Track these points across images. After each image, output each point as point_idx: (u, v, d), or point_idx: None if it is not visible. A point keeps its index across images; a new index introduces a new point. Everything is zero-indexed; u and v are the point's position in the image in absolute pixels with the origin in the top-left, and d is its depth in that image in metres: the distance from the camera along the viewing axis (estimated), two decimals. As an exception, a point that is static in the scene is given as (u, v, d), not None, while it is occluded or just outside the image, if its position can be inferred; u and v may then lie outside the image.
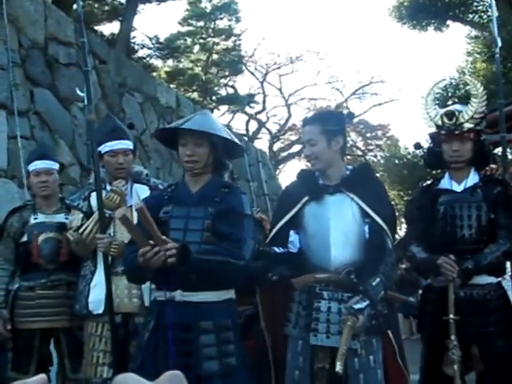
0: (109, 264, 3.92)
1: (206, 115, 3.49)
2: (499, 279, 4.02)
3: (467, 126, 3.94)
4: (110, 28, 38.13)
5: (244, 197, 3.40)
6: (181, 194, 3.36)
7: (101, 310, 3.93)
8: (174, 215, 3.27)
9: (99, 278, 3.96)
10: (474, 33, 19.27)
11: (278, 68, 31.86)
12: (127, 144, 4.21)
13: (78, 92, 3.87)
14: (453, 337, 3.74)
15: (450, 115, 3.97)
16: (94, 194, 4.10)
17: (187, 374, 3.01)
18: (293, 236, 3.59)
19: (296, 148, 31.41)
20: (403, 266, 9.69)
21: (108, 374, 3.89)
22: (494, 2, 5.19)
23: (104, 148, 4.12)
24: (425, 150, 4.35)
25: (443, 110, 4.04)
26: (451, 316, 3.76)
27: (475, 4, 19.79)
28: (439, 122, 4.01)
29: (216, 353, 3.15)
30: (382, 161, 29.33)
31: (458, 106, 4.05)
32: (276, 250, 3.54)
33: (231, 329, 3.24)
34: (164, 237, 3.03)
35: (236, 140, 3.45)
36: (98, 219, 3.98)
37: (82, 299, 4.02)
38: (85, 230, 4.01)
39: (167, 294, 3.18)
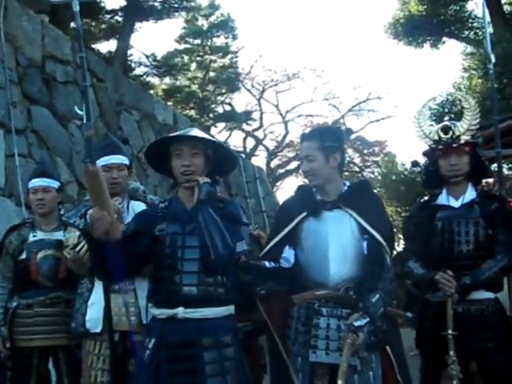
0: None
1: (197, 130, 3.50)
2: (497, 295, 4.02)
3: (464, 138, 3.99)
4: (107, 46, 38.27)
5: (240, 208, 3.41)
6: (175, 211, 3.32)
7: (99, 329, 3.90)
8: (170, 232, 3.25)
9: (97, 296, 3.94)
10: (469, 49, 19.36)
11: (275, 85, 31.95)
12: (121, 159, 4.21)
13: (77, 110, 3.87)
14: (452, 352, 3.74)
15: (446, 129, 4.02)
16: (90, 212, 4.10)
17: None
18: (287, 252, 3.58)
19: (293, 165, 31.45)
20: (409, 281, 9.62)
21: None
22: (487, 19, 5.23)
23: (99, 163, 4.13)
24: (422, 168, 4.38)
25: (439, 126, 4.08)
26: (450, 331, 3.76)
27: (470, 21, 19.93)
28: (436, 137, 4.05)
29: (219, 369, 3.13)
30: (379, 177, 29.34)
31: (453, 122, 4.10)
32: (266, 264, 3.53)
33: (231, 345, 3.21)
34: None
35: (229, 149, 3.46)
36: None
37: (79, 317, 4.00)
38: (82, 248, 4.00)
39: (169, 311, 3.17)
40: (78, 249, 4.00)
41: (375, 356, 3.41)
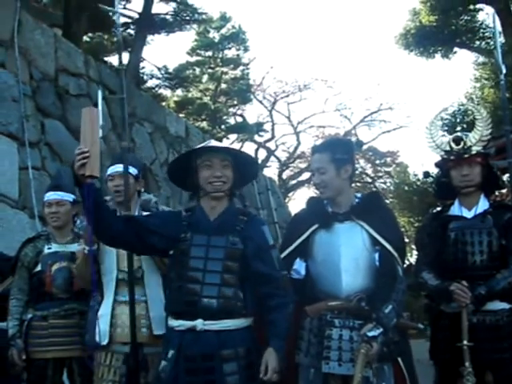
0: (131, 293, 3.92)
1: (216, 142, 3.56)
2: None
3: (475, 149, 4.00)
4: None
5: (265, 228, 3.43)
6: (199, 221, 3.34)
7: (106, 341, 3.90)
8: (194, 243, 3.26)
9: (105, 308, 3.94)
10: (481, 59, 19.35)
11: (287, 96, 32.03)
12: (121, 168, 4.22)
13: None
14: (467, 363, 3.71)
15: (458, 140, 4.04)
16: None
17: None
18: (298, 264, 3.60)
19: (305, 176, 31.45)
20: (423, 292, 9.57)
21: None
22: (498, 29, 5.22)
23: (105, 175, 4.19)
24: (433, 178, 4.38)
25: (451, 136, 4.09)
26: (465, 342, 3.74)
27: (482, 31, 19.90)
28: (447, 148, 4.06)
29: (239, 381, 3.15)
30: (391, 187, 29.32)
31: (465, 133, 4.10)
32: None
33: (250, 356, 3.22)
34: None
35: (251, 156, 3.51)
36: (82, 256, 3.95)
37: (91, 329, 4.02)
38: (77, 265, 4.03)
39: (188, 323, 3.18)
40: (75, 264, 4.03)
41: (388, 367, 3.41)
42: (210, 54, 27.66)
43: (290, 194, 32.75)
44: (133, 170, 4.23)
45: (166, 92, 25.77)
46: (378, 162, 33.63)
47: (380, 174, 33.92)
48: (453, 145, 4.04)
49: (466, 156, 4.02)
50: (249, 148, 29.24)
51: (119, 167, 4.19)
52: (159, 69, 23.31)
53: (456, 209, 4.14)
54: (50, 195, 4.54)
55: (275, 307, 3.21)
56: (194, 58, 27.46)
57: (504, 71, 4.80)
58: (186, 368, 3.14)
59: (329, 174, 3.50)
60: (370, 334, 3.19)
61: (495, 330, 3.88)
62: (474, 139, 4.00)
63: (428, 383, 4.18)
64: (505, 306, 3.94)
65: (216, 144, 3.48)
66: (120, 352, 3.88)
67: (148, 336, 3.89)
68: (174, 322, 3.27)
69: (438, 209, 4.32)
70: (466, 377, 3.71)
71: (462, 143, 4.02)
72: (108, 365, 3.93)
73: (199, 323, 3.16)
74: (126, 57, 19.92)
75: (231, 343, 3.18)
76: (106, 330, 3.88)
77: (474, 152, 4.00)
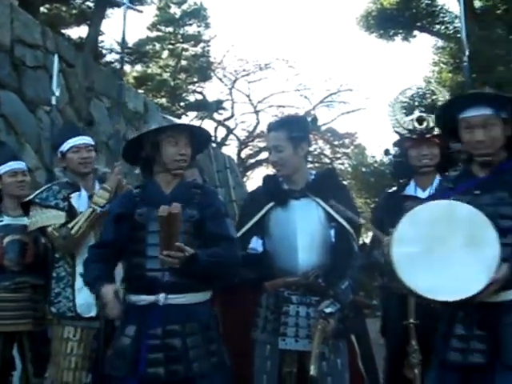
0: None
1: (169, 118, 3.54)
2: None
3: (437, 129, 4.02)
4: (77, 32, 37.81)
5: (220, 197, 3.47)
6: (153, 195, 3.31)
7: (93, 313, 3.89)
8: (151, 217, 3.21)
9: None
10: (440, 43, 19.48)
11: (247, 75, 31.83)
12: (89, 140, 4.24)
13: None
14: (413, 341, 3.79)
15: (421, 120, 4.11)
16: (74, 195, 4.10)
17: (175, 378, 3.05)
18: (254, 241, 3.61)
19: (264, 155, 31.38)
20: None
21: (86, 380, 3.88)
22: (462, 13, 5.24)
23: (66, 146, 4.13)
24: (392, 158, 4.42)
25: (415, 116, 4.13)
26: (411, 321, 3.80)
27: (442, 15, 20.02)
28: (410, 127, 4.10)
29: (202, 353, 3.15)
30: (349, 169, 29.46)
31: (428, 114, 4.15)
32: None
33: (213, 328, 3.26)
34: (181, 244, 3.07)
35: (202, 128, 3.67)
36: (88, 216, 3.97)
37: (64, 301, 3.97)
38: (75, 226, 3.96)
39: (150, 297, 3.17)
40: (71, 226, 3.96)
41: (343, 344, 3.44)
42: (170, 29, 27.31)
43: (248, 173, 32.72)
44: (93, 142, 4.24)
45: (126, 67, 25.45)
46: (336, 143, 33.77)
47: (338, 155, 34.07)
48: (416, 124, 4.10)
49: (428, 136, 4.07)
50: (208, 126, 29.08)
51: (85, 139, 4.20)
52: (118, 43, 23.00)
53: (411, 189, 4.19)
54: (13, 165, 4.47)
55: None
56: (155, 34, 27.09)
57: (467, 53, 4.84)
58: (147, 343, 3.12)
59: (286, 151, 3.49)
60: (328, 310, 3.22)
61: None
62: None
63: (379, 361, 4.24)
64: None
65: (183, 122, 3.48)
66: (91, 327, 3.90)
67: None
68: (133, 297, 3.24)
69: (394, 188, 4.37)
70: (411, 354, 3.79)
71: (424, 123, 4.07)
72: (78, 339, 3.92)
73: (161, 298, 3.15)
74: (84, 30, 19.66)
75: (194, 316, 3.18)
76: (92, 303, 3.87)
77: (435, 132, 4.05)
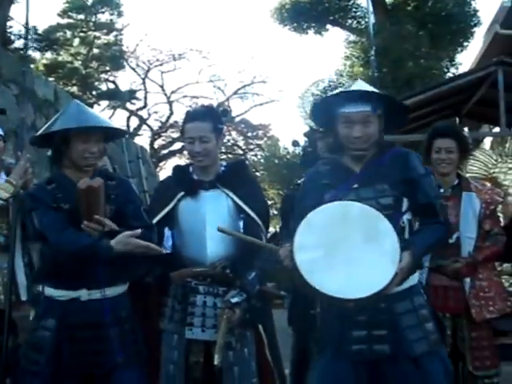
0: None
1: (82, 106, 3.45)
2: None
3: None
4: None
5: (134, 186, 3.51)
6: (68, 190, 3.21)
7: (24, 297, 3.85)
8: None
9: None
10: (352, 38, 19.86)
11: (161, 65, 31.53)
12: None
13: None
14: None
15: None
16: None
17: (96, 371, 3.04)
18: (166, 238, 3.59)
19: (177, 145, 31.23)
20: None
21: None
22: (370, 9, 5.38)
23: None
24: (301, 148, 4.50)
25: None
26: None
27: (354, 10, 20.38)
28: None
29: (121, 344, 3.16)
30: (262, 160, 29.68)
31: None
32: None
33: (131, 320, 3.28)
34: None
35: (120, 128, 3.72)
36: None
37: None
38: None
39: (71, 293, 3.15)
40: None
41: (250, 333, 3.49)
42: (82, 17, 26.76)
43: (161, 164, 32.45)
44: (2, 132, 4.12)
45: (35, 54, 24.80)
46: (249, 134, 33.92)
47: (251, 147, 34.24)
48: None
49: None
50: (120, 115, 28.72)
51: None
52: (28, 29, 22.37)
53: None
54: None
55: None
56: (66, 21, 26.48)
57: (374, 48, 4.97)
58: (69, 336, 3.12)
59: (212, 142, 3.49)
60: (234, 300, 3.26)
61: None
62: None
63: (286, 351, 4.31)
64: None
65: (96, 122, 3.34)
66: None
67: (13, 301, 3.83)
68: (53, 292, 3.21)
69: (303, 179, 4.43)
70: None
71: None
72: None
73: (84, 293, 3.15)
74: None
75: (114, 309, 3.20)
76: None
77: None
